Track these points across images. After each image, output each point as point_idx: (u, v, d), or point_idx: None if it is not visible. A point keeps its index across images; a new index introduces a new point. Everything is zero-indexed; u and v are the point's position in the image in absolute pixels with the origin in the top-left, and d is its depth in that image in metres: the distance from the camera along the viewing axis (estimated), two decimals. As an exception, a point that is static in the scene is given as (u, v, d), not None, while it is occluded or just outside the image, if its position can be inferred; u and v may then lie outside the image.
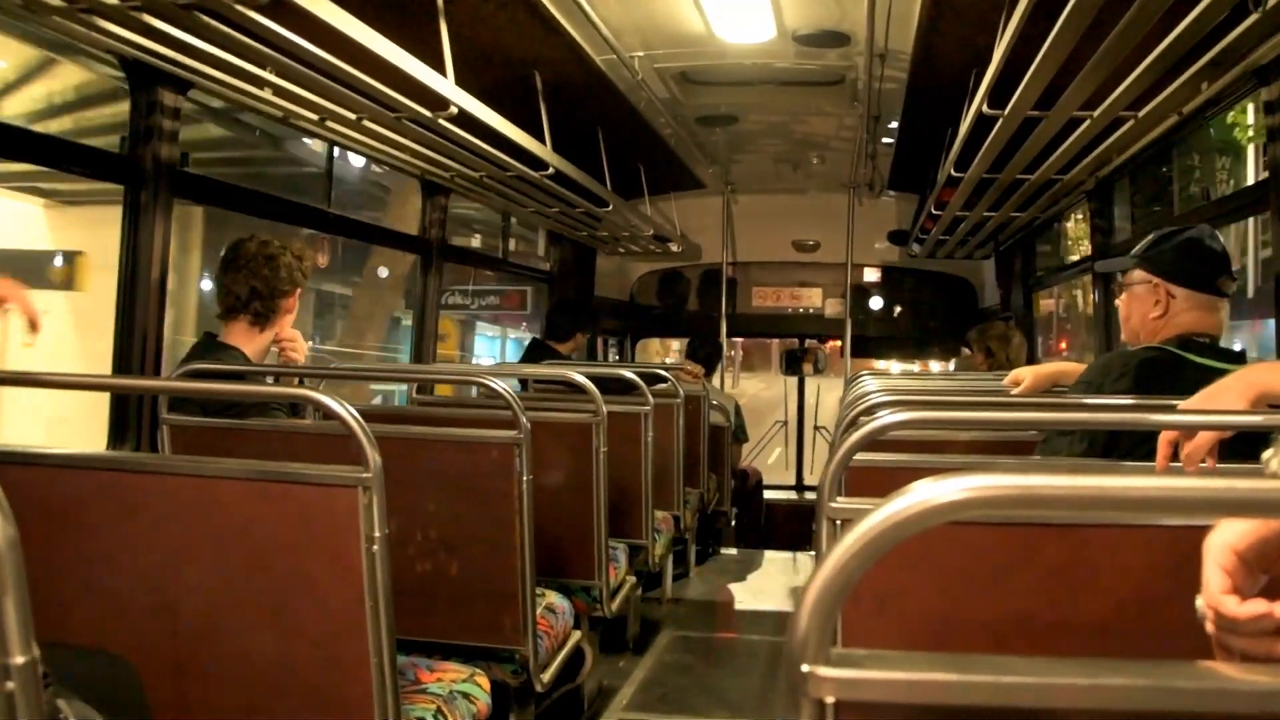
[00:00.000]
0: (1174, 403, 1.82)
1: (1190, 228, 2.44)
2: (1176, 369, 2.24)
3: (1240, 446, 1.99)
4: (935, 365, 8.45)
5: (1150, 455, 2.13)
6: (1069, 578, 1.54)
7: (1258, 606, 0.86)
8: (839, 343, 7.33)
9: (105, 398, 2.91)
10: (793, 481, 8.04)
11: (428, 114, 3.01)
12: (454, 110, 3.00)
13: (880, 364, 8.68)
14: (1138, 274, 2.44)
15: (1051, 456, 2.36)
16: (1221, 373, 2.25)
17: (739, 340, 12.21)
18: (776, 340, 7.36)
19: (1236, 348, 2.41)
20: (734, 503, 6.54)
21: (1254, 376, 1.63)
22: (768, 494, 7.31)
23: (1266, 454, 1.07)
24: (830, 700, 0.64)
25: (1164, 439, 1.58)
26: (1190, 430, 1.57)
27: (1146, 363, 2.28)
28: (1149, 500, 0.62)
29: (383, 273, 11.39)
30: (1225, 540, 0.92)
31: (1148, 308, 2.40)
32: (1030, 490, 0.61)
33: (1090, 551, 1.52)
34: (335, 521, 1.71)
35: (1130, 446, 2.21)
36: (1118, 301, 2.57)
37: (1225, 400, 1.59)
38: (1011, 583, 1.55)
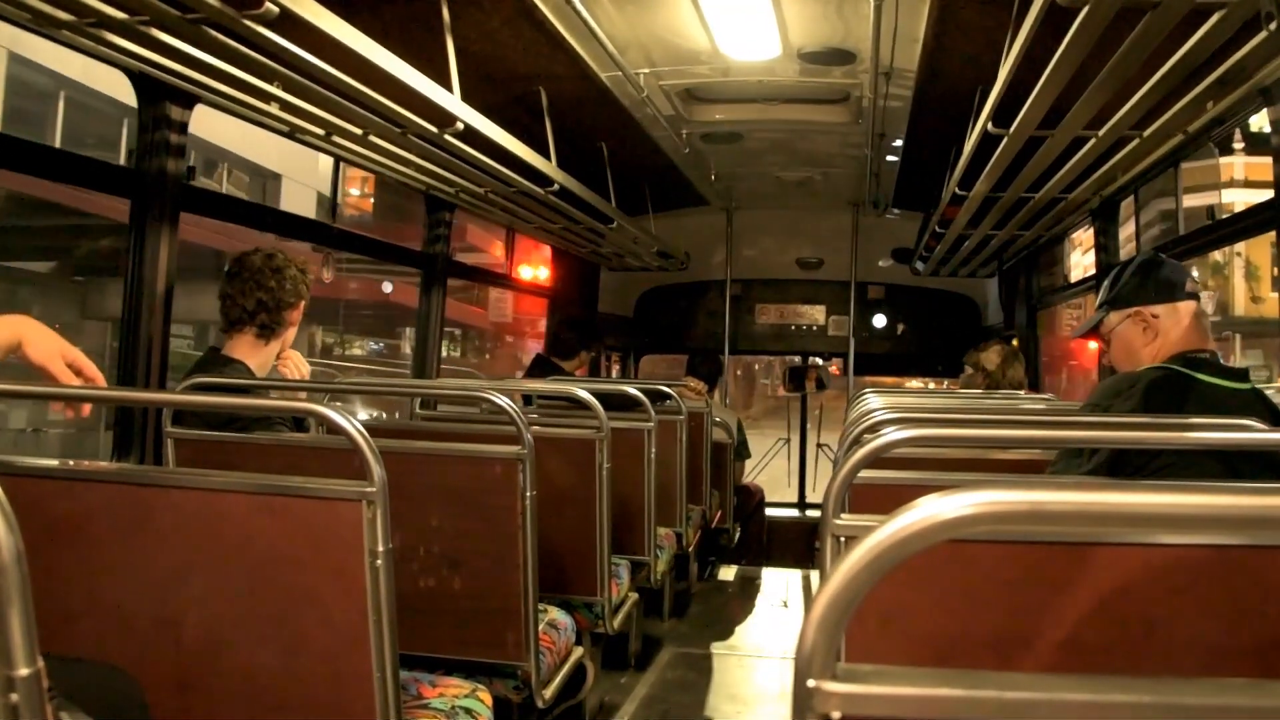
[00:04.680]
0: (1184, 421, 1.82)
1: (1133, 257, 2.56)
2: (1185, 387, 2.24)
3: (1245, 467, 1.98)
4: (919, 384, 8.42)
5: (1158, 474, 2.12)
6: (1073, 596, 1.53)
7: None
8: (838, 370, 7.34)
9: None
10: (795, 499, 8.03)
11: (433, 130, 3.02)
12: (459, 126, 3.01)
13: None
14: (1114, 316, 2.51)
15: (1059, 476, 2.36)
16: (1231, 391, 2.25)
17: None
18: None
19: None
20: (736, 519, 6.52)
21: None
22: (770, 511, 7.29)
23: None
24: (836, 715, 0.64)
25: None
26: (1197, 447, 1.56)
27: (1154, 382, 2.27)
28: (1157, 516, 0.62)
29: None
30: None
31: (1137, 339, 2.45)
32: (1039, 506, 0.61)
33: (1095, 570, 1.52)
34: (339, 536, 1.71)
35: (1138, 466, 2.20)
36: (1104, 360, 2.60)
37: None
38: (1015, 601, 1.54)
